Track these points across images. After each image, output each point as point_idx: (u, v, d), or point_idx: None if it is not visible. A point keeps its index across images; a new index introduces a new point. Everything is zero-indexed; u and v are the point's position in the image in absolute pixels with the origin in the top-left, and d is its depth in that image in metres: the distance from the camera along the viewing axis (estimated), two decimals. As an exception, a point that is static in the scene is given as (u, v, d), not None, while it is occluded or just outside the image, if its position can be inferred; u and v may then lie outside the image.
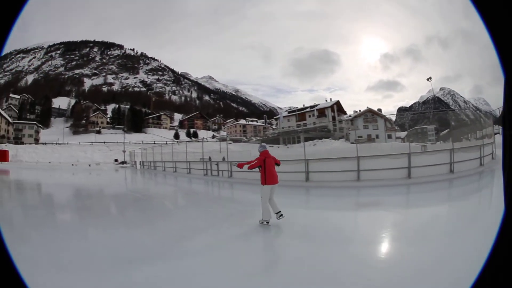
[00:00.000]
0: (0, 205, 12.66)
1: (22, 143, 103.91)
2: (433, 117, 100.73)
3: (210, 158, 30.49)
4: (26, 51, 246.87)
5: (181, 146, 40.64)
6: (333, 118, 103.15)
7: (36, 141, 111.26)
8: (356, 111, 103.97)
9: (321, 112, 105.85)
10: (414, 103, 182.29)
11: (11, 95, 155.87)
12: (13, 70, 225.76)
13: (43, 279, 4.32)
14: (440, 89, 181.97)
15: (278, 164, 8.07)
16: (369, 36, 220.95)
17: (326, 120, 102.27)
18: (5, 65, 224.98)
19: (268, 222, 7.67)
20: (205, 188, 19.50)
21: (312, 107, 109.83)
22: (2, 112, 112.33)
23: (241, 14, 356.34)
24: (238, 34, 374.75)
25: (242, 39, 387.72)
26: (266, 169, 7.66)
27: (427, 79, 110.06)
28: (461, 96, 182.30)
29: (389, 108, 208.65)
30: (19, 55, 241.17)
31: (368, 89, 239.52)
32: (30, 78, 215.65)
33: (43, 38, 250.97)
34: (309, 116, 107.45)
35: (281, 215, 7.58)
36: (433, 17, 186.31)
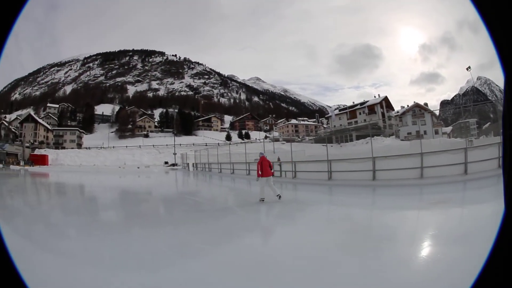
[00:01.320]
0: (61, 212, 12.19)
1: (63, 148, 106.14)
2: (473, 110, 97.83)
3: (279, 159, 30.66)
4: (61, 65, 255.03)
5: (233, 147, 41.35)
6: (382, 114, 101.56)
7: (79, 145, 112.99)
8: (403, 107, 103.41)
9: (371, 108, 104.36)
10: (455, 96, 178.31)
11: (48, 104, 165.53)
12: (49, 82, 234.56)
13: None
14: (477, 79, 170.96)
15: (271, 166, 12.28)
16: (405, 27, 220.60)
17: (376, 117, 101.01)
18: (38, 79, 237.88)
19: (263, 200, 11.77)
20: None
21: (362, 104, 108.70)
22: (40, 120, 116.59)
23: (279, 14, 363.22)
24: (279, 34, 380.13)
25: (284, 38, 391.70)
26: (262, 168, 11.88)
27: (467, 69, 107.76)
28: (497, 85, 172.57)
29: (433, 102, 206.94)
30: (53, 69, 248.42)
31: (411, 83, 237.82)
32: (68, 88, 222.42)
33: (76, 51, 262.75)
34: (360, 113, 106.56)
35: (280, 197, 11.86)
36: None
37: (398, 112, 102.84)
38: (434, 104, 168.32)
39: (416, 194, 12.66)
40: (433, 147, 27.33)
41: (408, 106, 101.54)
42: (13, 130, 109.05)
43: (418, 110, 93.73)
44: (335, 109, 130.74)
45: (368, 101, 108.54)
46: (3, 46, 1.53)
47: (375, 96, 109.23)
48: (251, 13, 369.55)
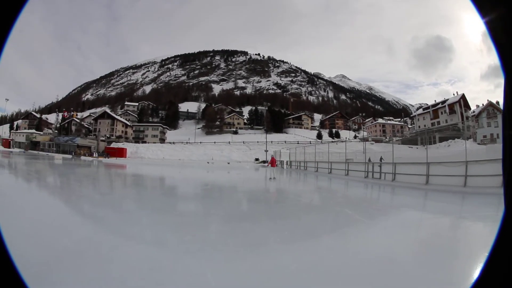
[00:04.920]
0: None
1: (144, 142, 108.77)
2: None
3: (381, 159, 30.17)
4: (136, 67, 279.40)
5: (324, 146, 41.23)
6: (461, 114, 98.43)
7: (162, 140, 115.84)
8: (478, 106, 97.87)
9: (451, 108, 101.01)
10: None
11: (126, 102, 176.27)
12: (125, 83, 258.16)
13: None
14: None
15: (273, 162, 25.31)
16: (464, 11, 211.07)
17: (456, 118, 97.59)
18: (112, 81, 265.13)
19: (274, 178, 22.14)
20: (364, 192, 17.46)
21: (443, 102, 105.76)
22: (117, 117, 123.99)
23: (351, 9, 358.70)
24: (355, 30, 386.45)
25: (360, 34, 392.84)
26: (272, 163, 25.20)
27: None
28: None
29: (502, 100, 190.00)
30: (127, 71, 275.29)
31: (482, 78, 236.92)
32: (147, 88, 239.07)
33: (151, 55, 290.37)
34: (441, 113, 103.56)
35: (272, 179, 21.85)
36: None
37: (474, 112, 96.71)
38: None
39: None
40: None
41: (482, 105, 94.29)
42: (86, 125, 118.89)
43: (492, 109, 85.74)
44: (417, 108, 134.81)
45: (448, 99, 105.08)
46: (3, 46, 1.51)
47: (453, 94, 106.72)
48: (324, 9, 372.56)
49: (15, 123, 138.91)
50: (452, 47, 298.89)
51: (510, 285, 1.34)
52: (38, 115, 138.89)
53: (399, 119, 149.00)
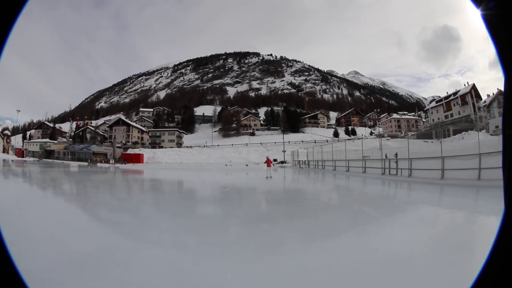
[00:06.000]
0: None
1: (161, 147, 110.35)
2: None
3: (396, 155, 30.89)
4: (148, 74, 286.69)
5: (341, 144, 44.94)
6: (473, 105, 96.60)
7: (179, 145, 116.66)
8: (489, 95, 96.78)
9: (463, 99, 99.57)
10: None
11: (141, 109, 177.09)
12: (138, 90, 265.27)
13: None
14: None
15: (268, 162, 25.82)
16: None
17: (468, 109, 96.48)
18: (126, 88, 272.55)
19: (271, 177, 22.85)
20: (381, 189, 17.31)
21: (455, 94, 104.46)
22: (133, 123, 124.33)
23: (356, 4, 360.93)
24: (363, 25, 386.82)
25: (370, 28, 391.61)
26: (267, 163, 25.65)
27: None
28: None
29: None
30: (140, 78, 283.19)
31: (490, 66, 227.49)
32: (161, 94, 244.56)
33: (163, 61, 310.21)
34: (454, 105, 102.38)
35: (268, 178, 22.68)
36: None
37: (485, 102, 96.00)
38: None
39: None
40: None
41: (493, 94, 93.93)
42: (101, 133, 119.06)
43: (502, 99, 78.57)
44: (431, 101, 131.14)
45: (459, 90, 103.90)
46: (3, 46, 1.52)
47: (464, 85, 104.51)
48: (331, 6, 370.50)
49: (28, 133, 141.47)
50: (459, 36, 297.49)
51: (510, 285, 1.34)
52: (51, 125, 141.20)
53: (413, 113, 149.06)
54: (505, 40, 1.35)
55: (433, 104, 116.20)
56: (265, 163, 26.95)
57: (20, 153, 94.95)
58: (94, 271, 3.72)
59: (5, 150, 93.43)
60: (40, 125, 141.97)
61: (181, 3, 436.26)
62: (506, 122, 1.44)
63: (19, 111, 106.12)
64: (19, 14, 1.45)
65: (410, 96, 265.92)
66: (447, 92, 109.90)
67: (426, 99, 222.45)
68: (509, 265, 1.35)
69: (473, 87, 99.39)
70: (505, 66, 1.37)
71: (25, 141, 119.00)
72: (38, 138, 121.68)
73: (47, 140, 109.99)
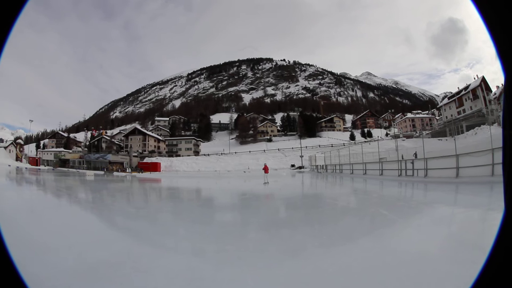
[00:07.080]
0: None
1: (178, 155, 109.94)
2: None
3: (416, 155, 30.69)
4: (163, 83, 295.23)
5: (357, 147, 42.25)
6: (484, 99, 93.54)
7: (196, 153, 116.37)
8: (498, 86, 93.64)
9: (474, 93, 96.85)
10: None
11: (157, 118, 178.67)
12: (153, 99, 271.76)
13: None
14: None
15: (266, 169, 27.52)
16: None
17: (480, 103, 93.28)
18: (140, 98, 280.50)
19: (267, 183, 23.64)
20: (398, 191, 17.58)
21: (465, 88, 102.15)
22: (149, 132, 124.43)
23: (363, 4, 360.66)
24: (371, 24, 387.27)
25: (377, 28, 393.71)
26: (265, 169, 27.32)
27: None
28: None
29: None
30: (154, 88, 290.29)
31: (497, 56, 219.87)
32: (177, 103, 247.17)
33: (177, 70, 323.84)
34: (465, 100, 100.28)
35: (266, 183, 23.46)
36: None
37: (495, 94, 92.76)
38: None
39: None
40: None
41: (502, 85, 78.42)
42: (116, 142, 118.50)
43: (503, 98, 75.42)
44: (443, 98, 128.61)
45: (469, 84, 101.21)
46: (3, 46, 1.53)
47: (474, 78, 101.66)
48: (338, 7, 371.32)
49: (42, 142, 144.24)
50: (465, 28, 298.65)
51: (510, 285, 1.34)
52: (65, 134, 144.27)
53: (427, 112, 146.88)
54: (505, 40, 1.34)
55: (445, 101, 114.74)
56: (263, 169, 28.32)
57: (34, 161, 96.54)
58: (114, 279, 3.73)
59: (18, 159, 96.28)
60: (54, 135, 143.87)
61: (191, 12, 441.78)
62: (506, 122, 1.45)
63: (32, 120, 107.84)
64: (19, 14, 1.45)
65: (422, 94, 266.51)
66: (458, 88, 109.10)
67: (438, 96, 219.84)
68: (509, 265, 1.34)
69: (483, 79, 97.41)
70: (505, 66, 1.37)
71: (39, 150, 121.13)
72: (52, 147, 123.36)
73: (62, 149, 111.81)
